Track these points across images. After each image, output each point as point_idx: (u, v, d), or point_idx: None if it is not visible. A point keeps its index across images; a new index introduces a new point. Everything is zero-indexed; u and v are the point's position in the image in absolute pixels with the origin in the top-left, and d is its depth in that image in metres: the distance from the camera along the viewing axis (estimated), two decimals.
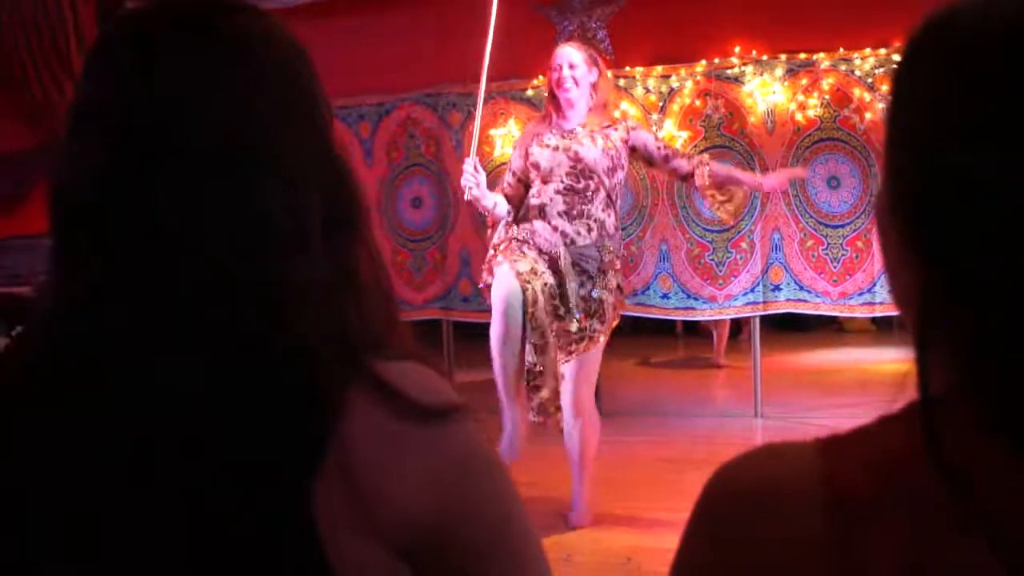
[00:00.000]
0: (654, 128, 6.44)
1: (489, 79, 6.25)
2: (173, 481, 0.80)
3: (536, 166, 4.27)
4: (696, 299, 6.55)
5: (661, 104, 6.47)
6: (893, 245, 0.75)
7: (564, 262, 4.15)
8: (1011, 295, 0.66)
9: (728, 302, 6.52)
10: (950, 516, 0.65)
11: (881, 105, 6.00)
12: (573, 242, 4.18)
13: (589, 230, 4.20)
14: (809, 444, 0.73)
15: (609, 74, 6.45)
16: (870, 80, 6.09)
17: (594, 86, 4.32)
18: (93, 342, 0.83)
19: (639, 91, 6.51)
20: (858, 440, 0.72)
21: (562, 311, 4.15)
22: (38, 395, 0.85)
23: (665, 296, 6.59)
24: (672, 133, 6.44)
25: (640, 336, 9.16)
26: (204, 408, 0.80)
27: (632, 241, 6.58)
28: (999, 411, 0.66)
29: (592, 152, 4.19)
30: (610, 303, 4.24)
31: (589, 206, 4.20)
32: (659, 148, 4.37)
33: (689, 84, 6.43)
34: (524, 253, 4.17)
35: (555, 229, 4.20)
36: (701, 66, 6.40)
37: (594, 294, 4.19)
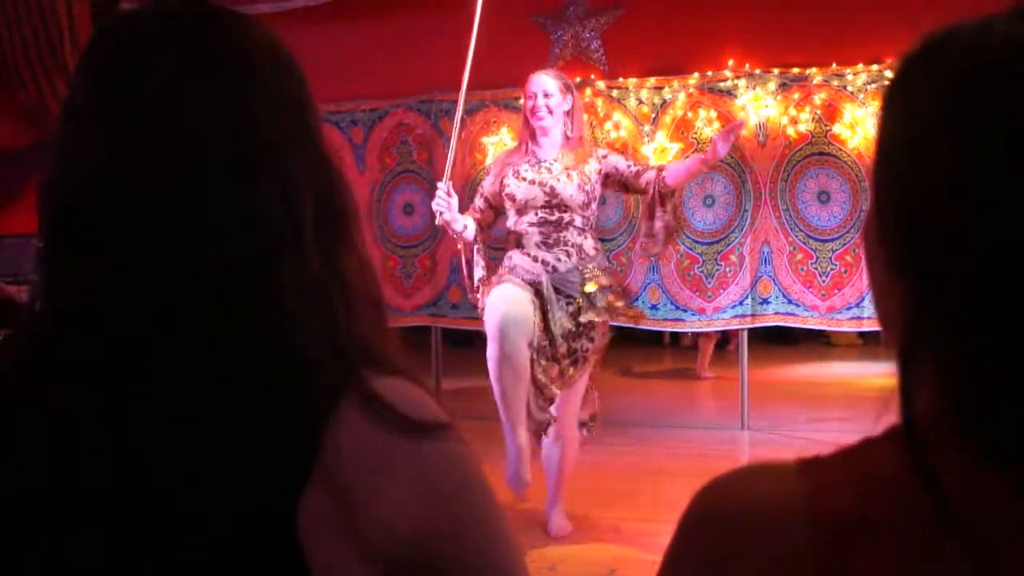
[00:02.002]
0: (646, 139, 6.47)
1: (482, 87, 6.28)
2: (164, 485, 0.79)
3: (512, 198, 4.31)
4: (685, 311, 6.56)
5: (653, 115, 6.48)
6: (880, 266, 0.74)
7: (547, 290, 4.20)
8: (998, 319, 0.66)
9: (716, 314, 6.53)
10: (935, 535, 0.65)
11: (872, 121, 6.02)
12: (555, 269, 4.23)
13: (568, 255, 4.25)
14: (793, 464, 0.73)
15: (602, 84, 6.49)
16: (862, 96, 6.11)
17: (568, 114, 4.35)
18: (87, 344, 0.83)
19: (632, 102, 6.52)
20: (842, 460, 0.72)
21: (547, 343, 4.20)
22: (32, 398, 0.84)
23: (654, 307, 6.60)
24: (664, 145, 6.46)
25: (627, 347, 9.17)
26: (198, 412, 0.80)
27: (622, 252, 6.59)
28: (985, 432, 0.66)
29: (568, 188, 4.24)
30: (599, 323, 4.27)
31: (564, 233, 4.26)
32: (629, 166, 4.38)
33: (682, 96, 6.45)
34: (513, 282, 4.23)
35: (535, 259, 4.26)
36: (694, 78, 6.42)
37: (582, 318, 4.22)
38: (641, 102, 6.51)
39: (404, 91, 6.96)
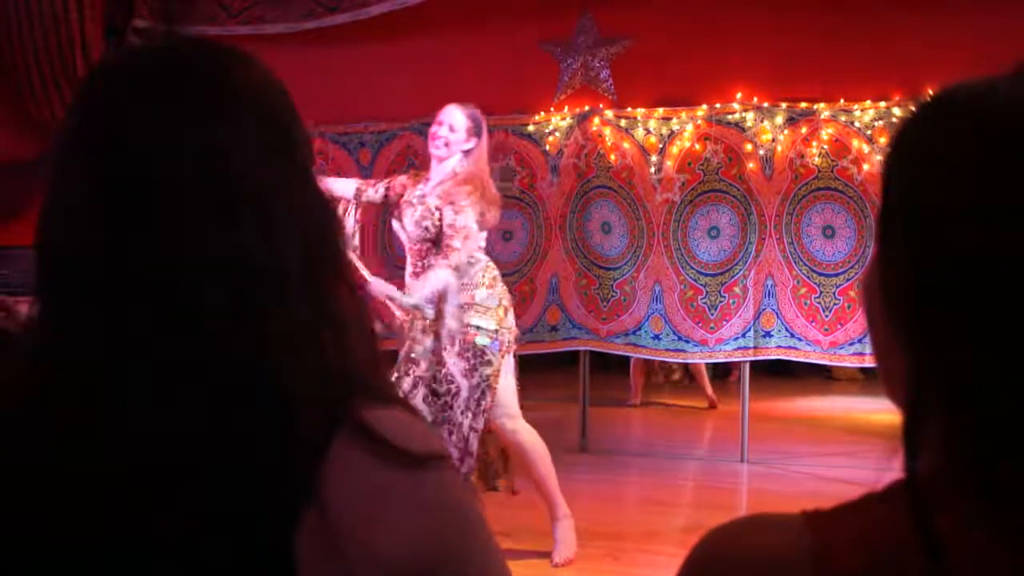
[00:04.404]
0: (653, 169, 6.48)
1: (490, 112, 6.30)
2: (155, 529, 0.79)
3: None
4: (687, 341, 6.55)
5: (661, 146, 6.50)
6: (881, 327, 0.74)
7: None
8: (1003, 382, 0.65)
9: (719, 346, 6.52)
10: None
11: (879, 157, 6.03)
12: None
13: None
14: (797, 516, 0.73)
15: (610, 113, 6.51)
16: (869, 132, 6.13)
17: (467, 154, 4.42)
18: (68, 387, 0.83)
19: (640, 132, 6.55)
20: (846, 515, 0.72)
21: (438, 381, 4.33)
22: (11, 440, 0.84)
23: (656, 337, 6.60)
24: (671, 175, 6.47)
25: (627, 375, 9.16)
26: (184, 456, 0.80)
27: (626, 281, 6.60)
28: (987, 493, 0.66)
29: (407, 221, 4.38)
30: (477, 337, 4.33)
31: (432, 259, 4.33)
32: (445, 234, 4.30)
33: (690, 127, 6.47)
34: (407, 361, 4.38)
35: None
36: (702, 110, 6.45)
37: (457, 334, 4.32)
38: (649, 132, 6.54)
39: (412, 114, 6.98)
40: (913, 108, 0.74)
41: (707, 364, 8.78)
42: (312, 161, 0.94)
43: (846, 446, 6.81)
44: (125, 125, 0.85)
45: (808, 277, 6.33)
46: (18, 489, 0.83)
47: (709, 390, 8.81)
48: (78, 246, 0.84)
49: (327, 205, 0.92)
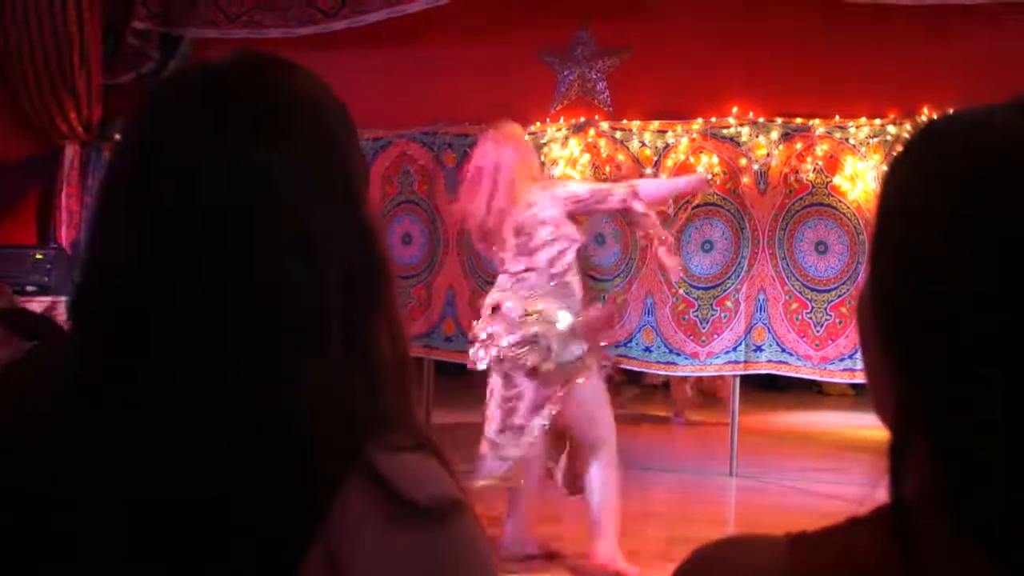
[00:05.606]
0: None
1: (487, 121, 6.31)
2: (163, 557, 0.79)
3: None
4: (678, 354, 6.56)
5: (656, 158, 6.51)
6: (874, 351, 0.75)
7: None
8: (991, 409, 0.66)
9: (709, 359, 6.52)
10: None
11: (873, 174, 6.05)
12: None
13: None
14: (781, 539, 0.73)
15: (605, 125, 6.55)
16: (863, 149, 6.14)
17: None
18: (98, 413, 0.83)
19: (635, 144, 6.56)
20: (829, 540, 0.72)
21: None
22: (39, 462, 0.84)
23: (647, 349, 6.60)
24: None
25: (613, 389, 9.13)
26: (196, 487, 0.79)
27: (618, 293, 6.60)
28: (973, 517, 0.66)
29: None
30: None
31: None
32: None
33: (685, 140, 6.48)
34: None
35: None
36: (698, 124, 6.46)
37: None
38: (644, 144, 6.55)
39: (408, 122, 6.99)
40: (910, 135, 0.74)
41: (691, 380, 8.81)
42: (366, 187, 0.93)
43: (836, 461, 6.81)
44: (168, 151, 0.85)
45: (800, 292, 6.34)
46: (42, 506, 0.83)
47: (682, 406, 8.80)
48: (118, 277, 0.85)
49: (377, 240, 0.91)
